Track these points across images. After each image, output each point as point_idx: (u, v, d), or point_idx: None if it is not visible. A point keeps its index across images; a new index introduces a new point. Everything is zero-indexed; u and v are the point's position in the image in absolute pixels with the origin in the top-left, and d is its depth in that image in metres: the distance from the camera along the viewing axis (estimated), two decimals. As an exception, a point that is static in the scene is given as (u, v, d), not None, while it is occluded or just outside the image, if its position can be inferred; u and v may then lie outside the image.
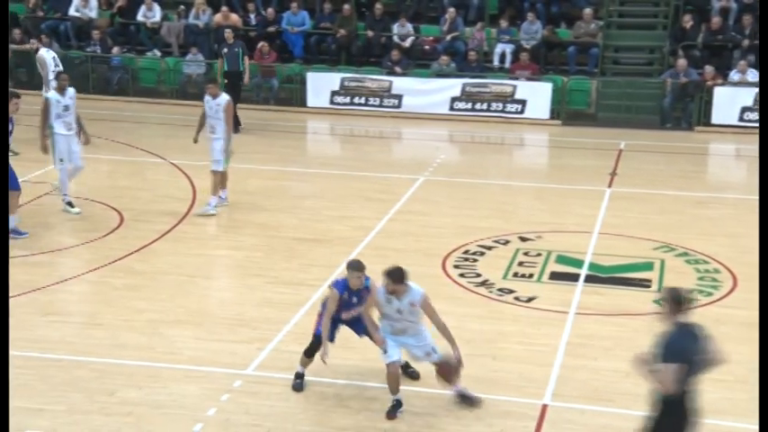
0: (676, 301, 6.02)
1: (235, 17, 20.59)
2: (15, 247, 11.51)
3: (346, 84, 19.80)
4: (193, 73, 20.20)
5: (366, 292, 8.22)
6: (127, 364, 8.84)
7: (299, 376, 8.56)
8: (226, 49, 17.88)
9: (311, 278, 11.13)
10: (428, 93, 19.64)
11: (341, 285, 8.30)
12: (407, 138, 19.14)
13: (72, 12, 20.63)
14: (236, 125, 17.77)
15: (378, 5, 20.56)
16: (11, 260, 11.00)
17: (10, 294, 10.17)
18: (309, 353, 8.51)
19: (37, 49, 16.96)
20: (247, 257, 11.70)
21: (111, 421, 7.82)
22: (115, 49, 20.15)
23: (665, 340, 5.96)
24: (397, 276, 7.80)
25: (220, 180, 13.15)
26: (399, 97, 19.72)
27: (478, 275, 11.27)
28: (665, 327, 6.06)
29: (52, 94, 12.81)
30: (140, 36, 20.80)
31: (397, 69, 19.82)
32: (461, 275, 11.29)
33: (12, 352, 9.08)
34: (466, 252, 11.96)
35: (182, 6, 20.88)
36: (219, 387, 8.43)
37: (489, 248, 12.07)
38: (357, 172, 15.59)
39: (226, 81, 17.48)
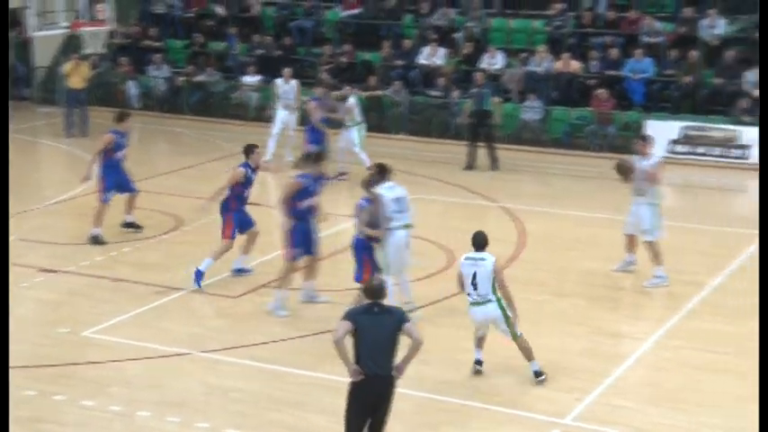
0: (368, 289, 7.51)
1: (575, 64, 20.55)
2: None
3: (688, 132, 18.98)
4: (530, 119, 20.41)
5: None
6: (450, 402, 9.01)
7: None
8: (474, 90, 18.27)
9: (636, 331, 10.73)
10: (780, 144, 18.27)
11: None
12: (753, 191, 17.89)
13: (421, 60, 21.74)
14: (493, 162, 17.98)
15: (728, 52, 19.54)
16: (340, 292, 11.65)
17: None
18: None
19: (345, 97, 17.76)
20: (571, 305, 11.52)
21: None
22: (455, 94, 20.90)
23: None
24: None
25: (655, 251, 11.93)
26: (747, 148, 18.53)
27: (828, 345, 10.19)
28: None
29: None
30: (482, 82, 21.39)
31: (747, 119, 18.65)
32: (807, 343, 10.27)
33: (345, 378, 9.64)
34: (814, 318, 10.88)
35: (523, 54, 21.23)
36: (535, 433, 8.33)
37: (842, 316, 10.88)
38: (692, 224, 14.83)
39: (471, 121, 18.19)
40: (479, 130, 18.29)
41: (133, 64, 23.78)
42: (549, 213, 15.42)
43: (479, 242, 9.37)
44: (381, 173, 10.87)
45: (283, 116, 18.37)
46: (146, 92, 23.43)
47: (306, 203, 11.15)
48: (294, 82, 18.59)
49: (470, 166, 18.20)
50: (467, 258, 9.34)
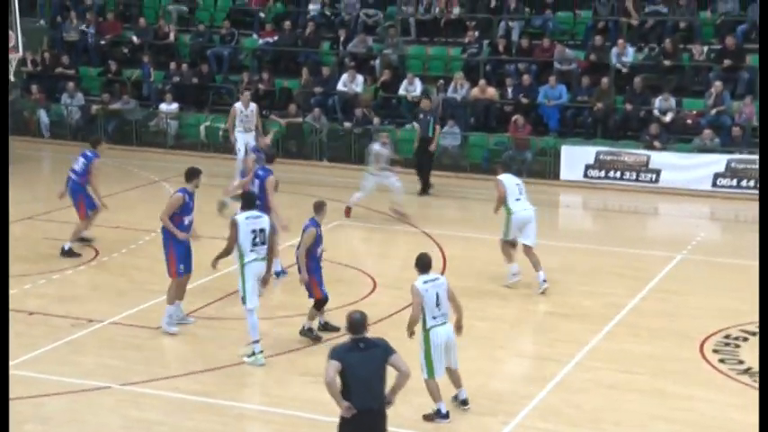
0: (349, 325, 7.39)
1: (491, 91, 20.90)
2: (278, 309, 12.11)
3: (601, 157, 19.46)
4: (449, 145, 20.66)
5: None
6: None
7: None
8: (420, 116, 18.70)
9: (558, 353, 10.89)
10: (689, 168, 18.88)
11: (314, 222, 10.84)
12: (665, 214, 18.42)
13: (339, 87, 21.83)
14: (424, 188, 18.39)
15: (637, 79, 20.14)
16: (273, 320, 11.59)
17: (270, 353, 10.71)
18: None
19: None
20: (493, 328, 11.65)
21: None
22: (375, 121, 21.03)
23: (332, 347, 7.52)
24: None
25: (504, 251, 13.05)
26: (657, 172, 19.08)
27: (741, 362, 10.55)
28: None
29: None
30: (401, 109, 21.60)
31: (656, 144, 19.23)
32: (721, 361, 10.62)
33: (268, 408, 9.56)
34: (727, 336, 11.25)
35: (441, 81, 21.51)
36: (461, 458, 8.37)
37: (753, 334, 11.27)
38: (609, 247, 15.17)
39: (417, 145, 18.61)
40: (423, 156, 18.45)
41: (45, 92, 23.30)
42: (469, 238, 15.59)
43: (428, 263, 9.26)
44: (246, 201, 10.88)
45: (245, 138, 18.24)
46: (58, 120, 22.96)
47: (187, 219, 11.28)
48: (253, 105, 18.56)
49: (424, 190, 18.42)
50: (426, 282, 9.09)
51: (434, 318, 9.12)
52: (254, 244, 10.53)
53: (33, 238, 15.20)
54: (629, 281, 13.36)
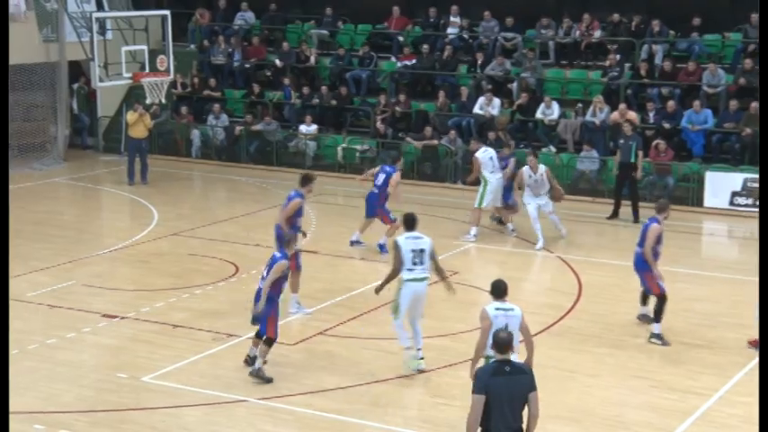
0: (495, 343, 7.21)
1: (632, 114, 20.43)
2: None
3: (750, 185, 18.70)
4: (587, 169, 20.31)
5: None
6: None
7: None
8: (621, 141, 18.15)
9: (700, 386, 10.50)
10: None
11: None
12: (817, 244, 17.49)
13: (476, 110, 21.81)
14: (634, 215, 17.84)
15: (790, 103, 19.30)
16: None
17: (401, 375, 10.74)
18: None
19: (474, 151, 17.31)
20: (631, 358, 11.33)
21: None
22: (511, 144, 20.86)
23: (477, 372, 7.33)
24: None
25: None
26: (811, 201, 18.18)
27: None
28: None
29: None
30: (537, 132, 21.39)
31: (809, 171, 18.34)
32: None
33: (399, 429, 9.58)
34: None
35: (579, 104, 21.19)
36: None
37: None
38: (756, 278, 14.49)
39: (617, 172, 18.18)
40: (624, 183, 18.09)
41: (193, 113, 24.24)
42: (606, 264, 15.24)
43: (503, 290, 8.88)
44: (407, 223, 11.04)
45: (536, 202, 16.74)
46: (204, 140, 23.83)
47: (299, 221, 12.49)
48: (543, 168, 17.05)
49: (615, 214, 18.07)
50: (498, 309, 8.74)
51: None
52: (414, 263, 10.66)
53: (178, 254, 15.78)
54: (778, 313, 12.72)
